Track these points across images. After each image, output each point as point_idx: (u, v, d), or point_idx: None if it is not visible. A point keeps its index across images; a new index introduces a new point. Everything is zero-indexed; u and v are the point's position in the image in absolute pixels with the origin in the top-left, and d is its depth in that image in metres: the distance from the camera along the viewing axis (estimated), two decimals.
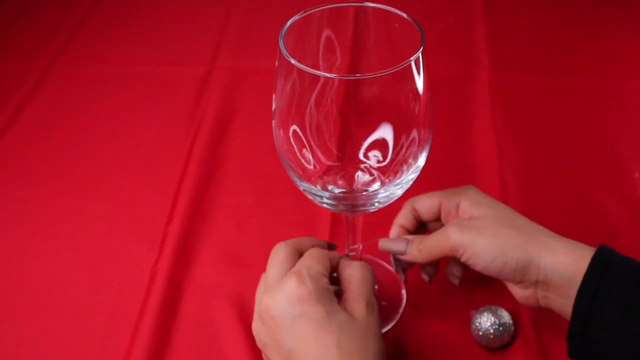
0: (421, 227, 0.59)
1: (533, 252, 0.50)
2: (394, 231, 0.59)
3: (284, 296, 0.46)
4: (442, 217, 0.56)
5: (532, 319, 0.59)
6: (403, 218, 0.58)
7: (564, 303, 0.49)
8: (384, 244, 0.57)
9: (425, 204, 0.57)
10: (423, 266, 0.58)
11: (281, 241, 0.52)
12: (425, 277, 0.59)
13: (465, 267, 0.56)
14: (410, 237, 0.57)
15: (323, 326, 0.44)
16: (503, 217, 0.52)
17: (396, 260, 0.59)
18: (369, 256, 0.65)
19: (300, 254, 0.51)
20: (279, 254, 0.51)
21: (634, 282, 0.47)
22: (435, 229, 0.56)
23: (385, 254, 0.61)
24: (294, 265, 0.50)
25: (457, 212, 0.55)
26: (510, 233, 0.51)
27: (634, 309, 0.46)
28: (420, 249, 0.55)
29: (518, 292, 0.53)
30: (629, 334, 0.46)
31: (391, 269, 0.61)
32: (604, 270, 0.47)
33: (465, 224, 0.53)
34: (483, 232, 0.51)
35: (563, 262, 0.49)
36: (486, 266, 0.51)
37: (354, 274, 0.50)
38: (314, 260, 0.49)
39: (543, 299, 0.51)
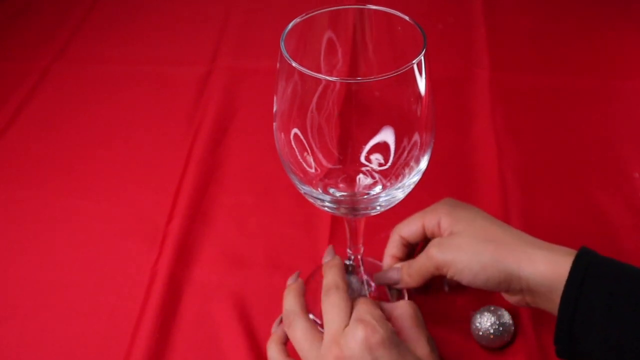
0: (412, 252, 0.60)
1: (513, 264, 0.50)
2: (386, 262, 0.60)
3: (357, 344, 0.45)
4: (429, 237, 0.58)
5: (532, 319, 0.59)
6: (393, 248, 0.60)
7: (552, 307, 0.50)
8: (379, 278, 0.60)
9: (411, 230, 0.58)
10: None
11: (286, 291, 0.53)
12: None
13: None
14: (398, 265, 0.58)
15: None
16: (481, 231, 0.53)
17: (392, 289, 0.60)
18: (369, 259, 0.65)
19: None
20: (292, 301, 0.52)
21: (615, 283, 0.47)
22: None
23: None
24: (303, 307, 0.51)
25: (439, 229, 0.56)
26: (488, 248, 0.51)
27: (616, 308, 0.47)
28: (410, 274, 0.56)
29: (509, 298, 0.54)
30: (614, 332, 0.46)
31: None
32: (584, 276, 0.48)
33: (444, 243, 0.54)
34: (462, 250, 0.52)
35: (543, 271, 0.49)
36: (470, 281, 0.52)
37: (404, 313, 0.50)
38: (370, 305, 0.48)
39: (532, 303, 0.52)
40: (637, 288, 0.47)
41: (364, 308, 0.48)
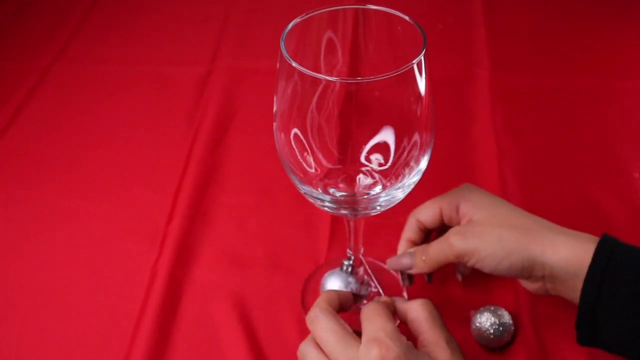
0: (428, 237, 0.60)
1: (536, 251, 0.50)
2: (401, 246, 0.59)
3: None
4: (446, 222, 0.57)
5: (532, 319, 0.59)
6: (409, 232, 0.59)
7: (573, 295, 0.50)
8: (391, 263, 0.59)
9: (428, 214, 0.57)
10: None
11: (314, 310, 0.48)
12: (426, 277, 0.61)
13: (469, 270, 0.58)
14: (412, 249, 0.57)
15: None
16: (503, 217, 0.53)
17: (404, 274, 0.60)
18: (370, 259, 0.65)
19: (335, 307, 0.49)
20: (323, 322, 0.47)
21: (638, 269, 0.47)
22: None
23: (385, 255, 0.61)
24: (343, 328, 0.47)
25: (457, 214, 0.55)
26: (511, 234, 0.51)
27: (639, 296, 0.46)
28: (424, 260, 0.56)
29: (528, 285, 0.53)
30: (636, 319, 0.46)
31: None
32: (607, 262, 0.47)
33: (467, 231, 0.53)
34: (485, 238, 0.51)
35: (566, 257, 0.49)
36: (493, 269, 0.52)
37: (419, 315, 0.48)
38: (382, 320, 0.46)
39: (552, 290, 0.52)
40: None
41: (376, 324, 0.46)
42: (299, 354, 0.49)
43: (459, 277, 0.61)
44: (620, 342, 0.47)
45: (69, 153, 0.80)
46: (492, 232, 0.51)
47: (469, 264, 0.53)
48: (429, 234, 0.60)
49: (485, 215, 0.53)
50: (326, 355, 0.46)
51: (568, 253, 0.49)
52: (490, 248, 0.51)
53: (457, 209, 0.55)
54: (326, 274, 0.61)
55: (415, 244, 0.59)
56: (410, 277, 0.60)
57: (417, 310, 0.48)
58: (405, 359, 0.43)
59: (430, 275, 0.60)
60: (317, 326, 0.47)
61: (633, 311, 0.46)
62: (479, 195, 0.55)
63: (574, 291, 0.49)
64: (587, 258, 0.48)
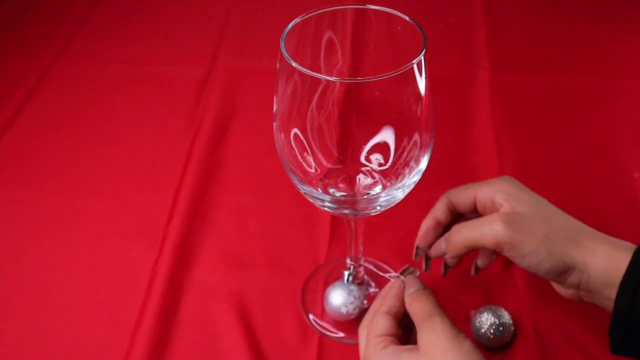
0: (455, 220, 0.57)
1: (578, 259, 0.49)
2: (425, 223, 0.57)
3: None
4: (479, 210, 0.55)
5: (532, 319, 0.59)
6: (438, 210, 0.56)
7: (607, 303, 0.49)
8: (422, 241, 0.57)
9: (462, 198, 0.55)
10: (446, 258, 0.57)
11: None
12: (442, 270, 0.59)
13: (492, 263, 0.57)
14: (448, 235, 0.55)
15: None
16: (549, 216, 0.50)
17: (427, 259, 0.58)
18: (369, 259, 0.65)
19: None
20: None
21: None
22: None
23: (385, 255, 0.61)
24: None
25: (492, 205, 0.53)
26: (557, 237, 0.49)
27: None
28: (453, 242, 0.53)
29: (561, 290, 0.52)
30: None
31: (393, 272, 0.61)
32: None
33: (513, 220, 0.50)
34: (533, 234, 0.49)
35: (604, 266, 0.48)
36: (530, 266, 0.50)
37: (417, 309, 0.48)
38: (372, 329, 0.49)
39: (586, 297, 0.51)
40: None
41: (368, 334, 0.49)
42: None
43: (473, 272, 0.59)
44: None
45: (68, 153, 0.80)
46: (541, 229, 0.49)
47: (507, 254, 0.50)
48: (456, 219, 0.57)
49: (530, 210, 0.50)
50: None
51: (606, 262, 0.48)
52: (535, 245, 0.49)
53: (493, 201, 0.52)
54: (329, 287, 0.60)
55: (440, 223, 0.56)
56: (429, 264, 0.59)
57: (416, 303, 0.48)
58: None
59: (447, 268, 0.58)
60: None
61: None
62: (519, 190, 0.52)
63: (608, 300, 0.48)
64: (624, 267, 0.47)
